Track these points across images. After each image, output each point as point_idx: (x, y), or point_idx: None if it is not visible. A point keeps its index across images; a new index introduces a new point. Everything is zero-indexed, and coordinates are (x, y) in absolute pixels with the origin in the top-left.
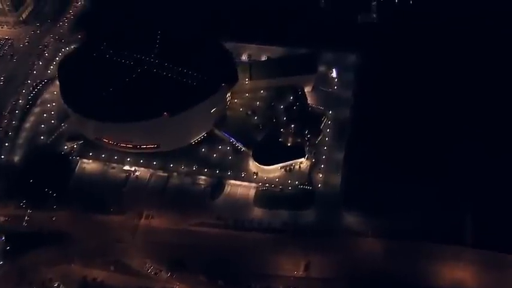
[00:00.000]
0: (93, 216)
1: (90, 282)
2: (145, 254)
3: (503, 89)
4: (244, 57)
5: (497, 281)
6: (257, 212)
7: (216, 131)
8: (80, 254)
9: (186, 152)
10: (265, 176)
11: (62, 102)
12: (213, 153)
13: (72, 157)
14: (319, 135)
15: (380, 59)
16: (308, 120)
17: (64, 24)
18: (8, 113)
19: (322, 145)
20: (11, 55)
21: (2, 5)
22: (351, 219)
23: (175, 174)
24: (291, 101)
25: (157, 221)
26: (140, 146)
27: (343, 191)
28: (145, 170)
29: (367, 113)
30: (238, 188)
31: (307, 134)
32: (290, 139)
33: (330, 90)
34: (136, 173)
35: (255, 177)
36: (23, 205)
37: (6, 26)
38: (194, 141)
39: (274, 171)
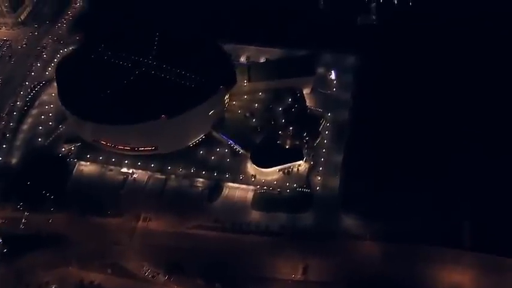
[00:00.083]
0: (91, 218)
1: (87, 285)
2: (142, 257)
3: (503, 92)
4: (242, 59)
5: (496, 284)
6: (255, 215)
7: (214, 133)
8: (77, 257)
9: (184, 154)
10: (263, 178)
11: (60, 104)
12: (211, 156)
13: (69, 159)
14: (318, 137)
15: (379, 61)
16: (306, 122)
17: (62, 25)
18: (5, 114)
19: (320, 147)
20: (9, 56)
21: (0, 6)
22: (349, 222)
23: (173, 176)
24: (289, 103)
25: (154, 224)
26: (138, 148)
27: (341, 194)
28: (143, 172)
29: (366, 115)
30: (236, 190)
31: (306, 136)
32: (288, 141)
33: (329, 92)
34: (134, 175)
35: (253, 179)
36: (20, 207)
37: (5, 27)
38: (192, 144)
39: (272, 173)
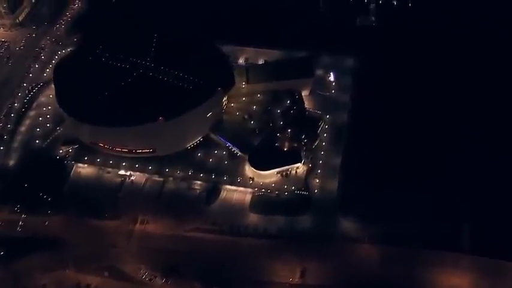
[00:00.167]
0: (88, 221)
1: None
2: (139, 260)
3: (503, 94)
4: (241, 61)
5: None
6: (253, 218)
7: (212, 136)
8: (74, 260)
9: (181, 156)
10: (261, 181)
11: (58, 105)
12: (208, 158)
13: (67, 161)
14: (316, 139)
15: (378, 63)
16: (305, 124)
17: (61, 26)
18: (3, 116)
19: (319, 150)
20: (7, 58)
21: None
22: (347, 225)
23: (170, 179)
24: (288, 105)
25: (152, 226)
26: (136, 151)
27: (339, 197)
28: (141, 174)
29: (365, 118)
30: (234, 193)
31: (304, 139)
32: (287, 144)
33: (328, 94)
34: (132, 178)
35: (251, 182)
36: (17, 210)
37: (3, 28)
38: (190, 146)
39: (270, 176)
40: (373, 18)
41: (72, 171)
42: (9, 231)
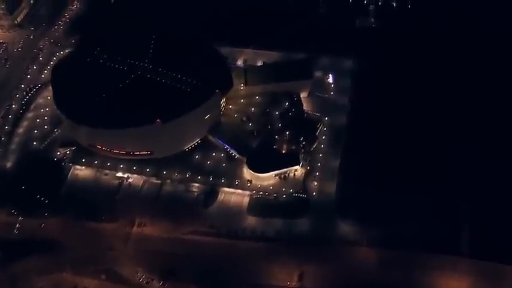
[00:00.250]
0: (85, 223)
1: None
2: (137, 263)
3: (502, 95)
4: (239, 62)
5: None
6: (251, 221)
7: (210, 138)
8: (71, 262)
9: (179, 158)
10: (259, 183)
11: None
12: (206, 160)
13: (64, 163)
14: (315, 142)
15: (377, 64)
16: (303, 126)
17: (59, 27)
18: (1, 117)
19: (317, 152)
20: (5, 59)
21: None
22: (345, 228)
23: (168, 181)
24: (286, 107)
25: (149, 229)
26: (133, 153)
27: (338, 199)
28: (139, 176)
29: (364, 120)
30: (232, 195)
31: (303, 141)
32: (285, 146)
33: (326, 96)
34: (129, 180)
35: (248, 185)
36: (14, 212)
37: (1, 29)
38: (188, 148)
39: (268, 179)
40: (372, 20)
41: (70, 173)
42: (6, 233)
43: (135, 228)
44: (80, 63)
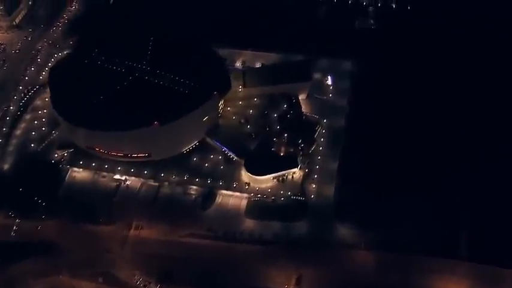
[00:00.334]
0: (83, 226)
1: None
2: (134, 266)
3: (502, 97)
4: (238, 64)
5: None
6: (248, 223)
7: (208, 140)
8: (68, 265)
9: (177, 161)
10: (257, 186)
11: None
12: (204, 163)
13: (62, 165)
14: (313, 144)
15: (376, 66)
16: (302, 129)
17: (58, 29)
18: None
19: (315, 155)
20: (3, 60)
21: None
22: (344, 231)
23: (166, 183)
24: (285, 109)
25: (147, 232)
26: (131, 155)
27: (336, 202)
28: (136, 179)
29: (362, 122)
30: (230, 198)
31: (301, 143)
32: (283, 148)
33: (325, 98)
34: (127, 182)
35: (246, 187)
36: (11, 214)
37: None
38: (186, 150)
39: (266, 181)
40: (371, 21)
41: (67, 175)
42: (3, 236)
43: (132, 231)
44: (78, 64)
